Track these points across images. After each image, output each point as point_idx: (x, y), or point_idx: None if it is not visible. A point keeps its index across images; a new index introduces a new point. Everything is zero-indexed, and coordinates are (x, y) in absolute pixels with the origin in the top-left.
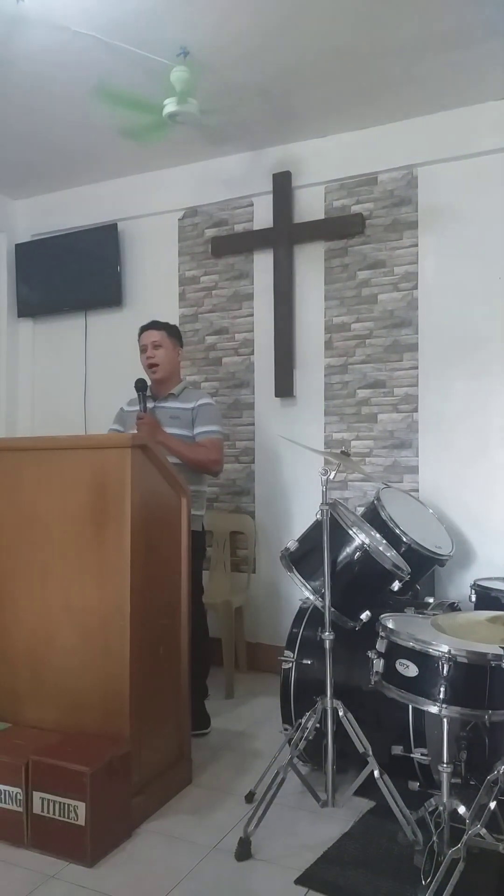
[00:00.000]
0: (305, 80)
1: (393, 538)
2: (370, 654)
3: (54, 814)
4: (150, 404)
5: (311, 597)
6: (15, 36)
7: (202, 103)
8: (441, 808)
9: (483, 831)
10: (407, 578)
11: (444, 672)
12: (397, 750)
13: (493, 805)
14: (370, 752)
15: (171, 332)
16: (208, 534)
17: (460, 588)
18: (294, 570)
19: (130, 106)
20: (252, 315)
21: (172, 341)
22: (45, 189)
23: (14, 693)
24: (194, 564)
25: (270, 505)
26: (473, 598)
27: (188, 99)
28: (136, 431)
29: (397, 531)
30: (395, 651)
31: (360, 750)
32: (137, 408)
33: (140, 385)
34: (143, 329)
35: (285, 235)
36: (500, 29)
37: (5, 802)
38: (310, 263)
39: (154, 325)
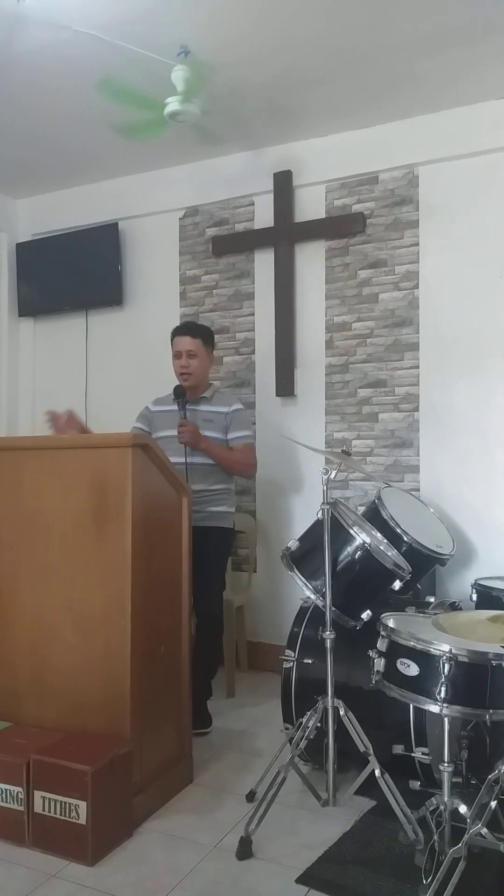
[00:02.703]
0: (306, 79)
1: (394, 537)
2: (371, 653)
3: (55, 813)
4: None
5: (312, 596)
6: (15, 35)
7: (203, 103)
8: (442, 807)
9: (484, 830)
10: (408, 578)
11: (445, 671)
12: (398, 749)
13: (494, 804)
14: (371, 752)
15: (207, 340)
16: None
17: (461, 587)
18: (295, 570)
19: (132, 101)
20: (253, 314)
21: (207, 349)
22: (45, 188)
23: (15, 692)
24: (223, 561)
25: (271, 504)
26: (474, 598)
27: (191, 98)
28: (166, 433)
29: (398, 530)
30: (396, 650)
31: (361, 749)
32: (166, 408)
33: (179, 392)
34: (180, 333)
35: (286, 234)
36: (501, 27)
37: (6, 801)
38: (311, 262)
39: (190, 333)
